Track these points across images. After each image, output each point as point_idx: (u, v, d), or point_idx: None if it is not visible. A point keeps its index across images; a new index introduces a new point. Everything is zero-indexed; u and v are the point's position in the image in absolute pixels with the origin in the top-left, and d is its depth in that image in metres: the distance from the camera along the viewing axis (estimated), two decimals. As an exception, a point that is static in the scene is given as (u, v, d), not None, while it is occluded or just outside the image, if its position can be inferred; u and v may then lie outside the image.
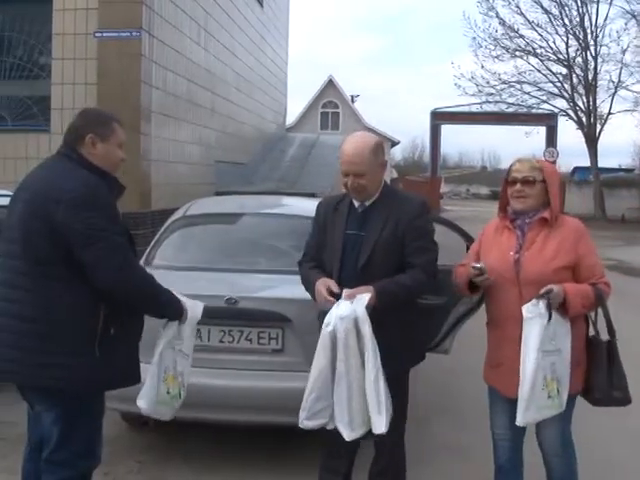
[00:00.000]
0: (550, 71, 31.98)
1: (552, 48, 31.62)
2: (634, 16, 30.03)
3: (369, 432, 3.12)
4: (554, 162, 26.43)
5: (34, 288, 2.79)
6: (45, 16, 9.09)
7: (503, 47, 31.74)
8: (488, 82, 31.94)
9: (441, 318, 4.43)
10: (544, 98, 32.51)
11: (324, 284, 3.17)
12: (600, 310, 3.18)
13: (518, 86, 32.36)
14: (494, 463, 3.44)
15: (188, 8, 10.98)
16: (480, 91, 32.12)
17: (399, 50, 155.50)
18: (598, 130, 31.59)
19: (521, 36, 31.60)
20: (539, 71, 32.05)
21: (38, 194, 2.83)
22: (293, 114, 38.10)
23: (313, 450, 3.78)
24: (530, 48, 31.72)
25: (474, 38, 32.49)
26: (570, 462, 3.30)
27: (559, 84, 31.98)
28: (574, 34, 31.23)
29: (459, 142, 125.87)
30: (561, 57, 31.61)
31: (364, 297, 3.03)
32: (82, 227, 2.74)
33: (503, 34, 31.73)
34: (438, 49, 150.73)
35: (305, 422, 3.12)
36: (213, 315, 4.09)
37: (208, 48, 12.26)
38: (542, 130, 32.60)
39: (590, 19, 31.00)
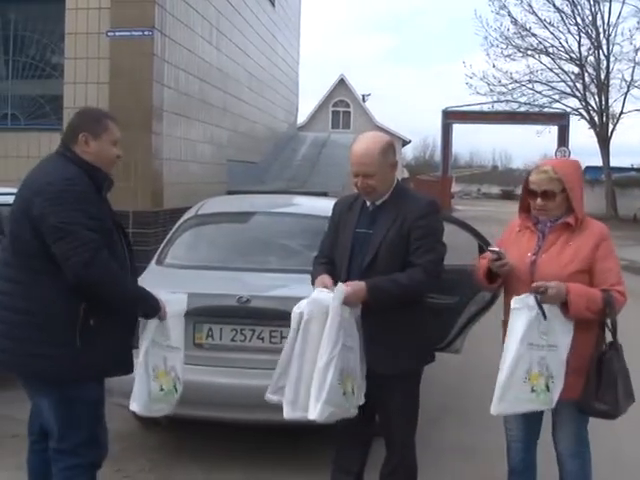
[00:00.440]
0: (562, 70, 31.83)
1: (564, 47, 31.46)
2: (647, 15, 29.85)
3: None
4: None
5: (23, 280, 2.88)
6: (58, 15, 9.10)
7: (515, 46, 31.61)
8: (500, 81, 31.90)
9: (453, 318, 4.41)
10: (556, 97, 32.40)
11: (321, 281, 3.18)
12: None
13: (530, 85, 32.29)
14: (507, 464, 3.43)
15: (200, 7, 10.98)
16: (492, 90, 32.08)
17: (410, 49, 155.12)
18: (610, 129, 31.34)
19: (533, 35, 31.46)
20: (551, 70, 31.89)
21: (25, 189, 2.95)
22: (304, 113, 38.04)
23: (323, 450, 3.78)
24: (542, 47, 31.57)
25: (486, 37, 32.56)
26: (584, 463, 3.27)
27: (571, 83, 31.82)
28: (586, 33, 31.04)
29: (470, 141, 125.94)
30: (573, 56, 31.41)
31: (342, 289, 2.99)
32: (55, 220, 2.80)
33: (515, 33, 31.63)
34: (449, 48, 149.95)
35: (269, 396, 3.13)
36: (225, 314, 4.11)
37: (220, 47, 12.27)
38: (554, 129, 32.48)
39: (602, 17, 30.78)
